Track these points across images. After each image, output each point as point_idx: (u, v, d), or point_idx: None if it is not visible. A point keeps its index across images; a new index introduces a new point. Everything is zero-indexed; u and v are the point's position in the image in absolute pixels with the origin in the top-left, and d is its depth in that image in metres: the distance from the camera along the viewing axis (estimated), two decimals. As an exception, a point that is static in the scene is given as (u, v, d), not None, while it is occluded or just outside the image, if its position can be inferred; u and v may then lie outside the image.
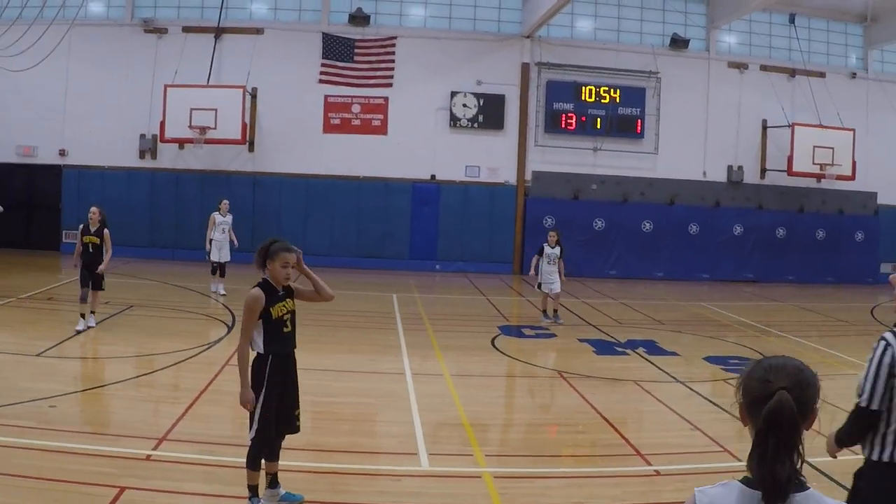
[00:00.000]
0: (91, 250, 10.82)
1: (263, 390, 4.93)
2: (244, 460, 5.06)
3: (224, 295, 14.46)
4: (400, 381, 9.07)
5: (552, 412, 8.59)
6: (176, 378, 8.85)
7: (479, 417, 7.92)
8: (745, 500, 1.94)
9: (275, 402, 4.96)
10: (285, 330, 5.00)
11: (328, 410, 7.72)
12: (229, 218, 14.93)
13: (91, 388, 8.34)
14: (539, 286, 13.77)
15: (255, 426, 4.93)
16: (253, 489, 4.99)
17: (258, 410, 4.93)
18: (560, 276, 13.56)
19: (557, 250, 13.65)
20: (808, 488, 1.94)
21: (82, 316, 10.72)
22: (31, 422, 6.65)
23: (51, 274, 17.28)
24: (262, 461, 5.07)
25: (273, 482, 5.17)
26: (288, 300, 5.05)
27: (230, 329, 11.58)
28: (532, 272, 13.84)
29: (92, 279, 10.76)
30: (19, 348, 9.52)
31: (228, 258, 14.73)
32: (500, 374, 10.32)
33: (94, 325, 10.86)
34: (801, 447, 1.95)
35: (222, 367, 9.04)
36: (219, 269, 14.69)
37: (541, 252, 13.73)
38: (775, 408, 1.93)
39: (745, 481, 1.96)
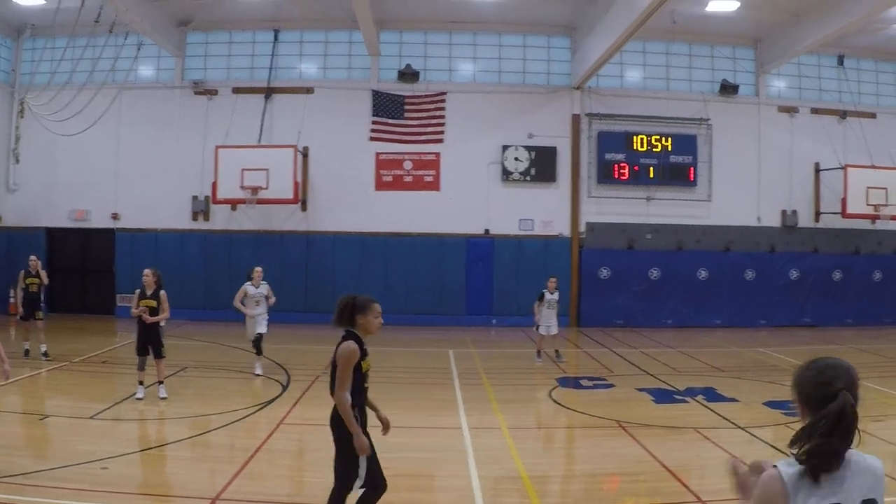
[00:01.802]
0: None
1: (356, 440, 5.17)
2: None
3: (259, 375, 13.07)
4: (457, 436, 9.28)
5: (612, 462, 8.61)
6: (230, 438, 9.04)
7: (538, 470, 8.07)
8: (801, 479, 2.47)
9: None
10: (366, 385, 5.30)
11: (386, 466, 7.66)
12: (264, 288, 13.21)
13: (144, 449, 8.52)
14: (537, 328, 15.11)
15: (340, 478, 5.24)
16: None
17: (346, 463, 5.20)
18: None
19: (556, 295, 15.08)
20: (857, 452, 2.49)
21: (140, 383, 10.80)
22: (83, 483, 6.85)
23: (105, 338, 17.73)
24: None
25: None
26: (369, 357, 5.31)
27: (285, 388, 12.01)
28: (536, 318, 15.10)
29: (153, 347, 10.85)
30: (73, 411, 9.85)
31: (265, 330, 13.15)
32: (559, 426, 10.55)
33: (165, 395, 10.74)
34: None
35: (276, 426, 9.44)
36: (255, 346, 13.13)
37: (541, 298, 14.99)
38: (840, 408, 2.42)
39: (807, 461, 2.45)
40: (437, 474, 7.99)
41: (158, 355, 10.93)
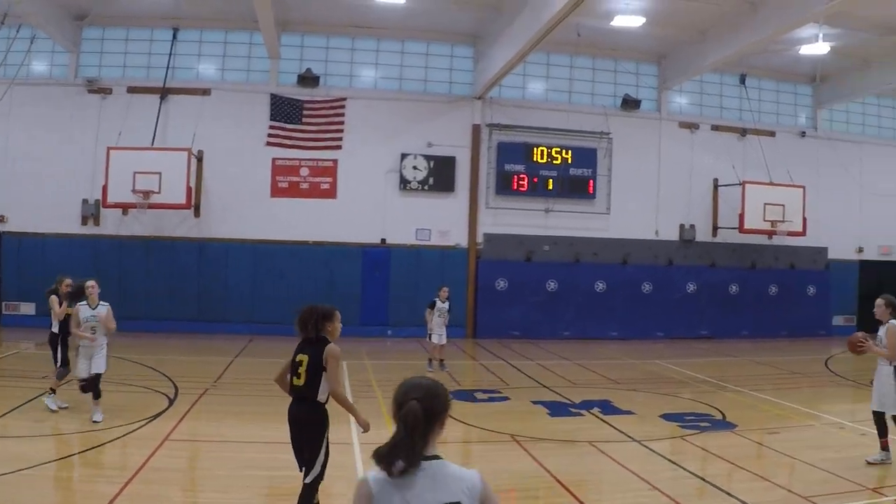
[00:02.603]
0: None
1: (327, 434, 6.13)
2: None
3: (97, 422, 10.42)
4: (347, 452, 9.18)
5: (506, 478, 8.59)
6: (111, 456, 8.81)
7: None
8: (387, 481, 2.88)
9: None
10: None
11: (274, 485, 7.96)
12: (103, 309, 10.52)
13: (20, 469, 7.92)
14: (430, 337, 15.63)
15: (318, 469, 6.08)
16: None
17: (323, 454, 6.06)
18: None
19: (447, 305, 15.61)
20: (439, 458, 2.93)
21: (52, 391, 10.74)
22: None
23: None
24: None
25: None
26: None
27: (171, 402, 11.77)
28: (428, 326, 15.67)
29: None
30: None
31: (104, 368, 10.56)
32: (452, 441, 10.44)
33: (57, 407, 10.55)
34: (429, 437, 2.93)
35: (161, 442, 9.19)
36: (89, 386, 10.37)
37: (432, 306, 15.55)
38: (406, 411, 2.89)
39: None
40: (325, 492, 7.72)
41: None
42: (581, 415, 11.90)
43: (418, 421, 2.86)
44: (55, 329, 11.16)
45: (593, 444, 9.90)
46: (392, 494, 2.84)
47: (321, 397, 6.12)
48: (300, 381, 6.17)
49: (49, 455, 8.80)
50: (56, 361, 11.08)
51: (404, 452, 2.84)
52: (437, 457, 2.89)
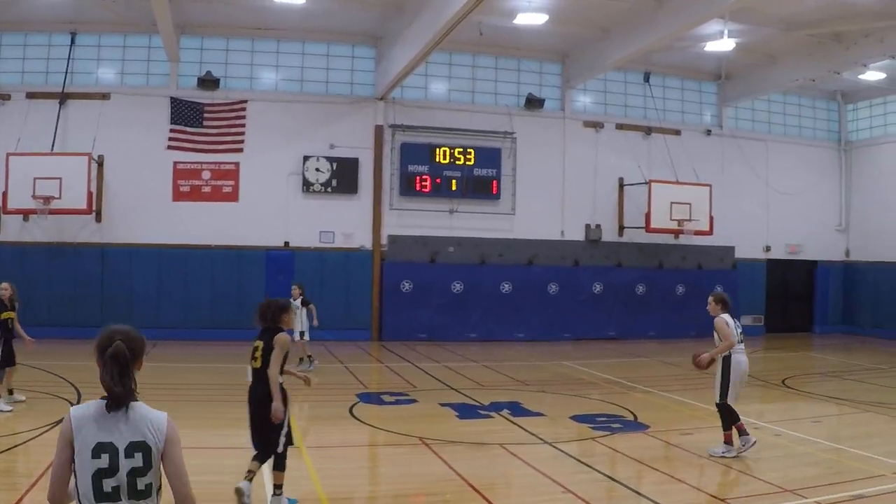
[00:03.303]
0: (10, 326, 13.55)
1: (287, 411, 8.17)
2: None
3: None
4: (249, 457, 9.65)
5: (416, 481, 9.46)
6: (10, 464, 9.43)
7: (339, 492, 8.89)
8: (100, 411, 3.70)
9: None
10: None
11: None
12: None
13: None
14: (301, 335, 18.39)
15: (285, 439, 8.13)
16: (281, 487, 8.14)
17: (286, 426, 8.13)
18: (313, 321, 18.72)
19: (299, 301, 18.39)
20: (138, 402, 3.76)
21: (10, 392, 13.21)
22: None
23: None
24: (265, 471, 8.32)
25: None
26: None
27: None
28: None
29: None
30: None
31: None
32: (360, 444, 11.54)
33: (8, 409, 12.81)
34: (133, 376, 3.79)
35: None
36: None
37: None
38: (114, 350, 3.73)
39: (103, 399, 3.72)
40: (226, 499, 8.17)
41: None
42: (490, 417, 13.25)
43: (126, 358, 3.72)
44: None
45: (504, 446, 10.92)
46: (91, 429, 3.61)
47: (270, 378, 8.07)
48: (257, 364, 8.22)
49: None
50: None
51: (116, 389, 3.69)
52: (135, 399, 3.78)
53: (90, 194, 23.29)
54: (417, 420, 13.08)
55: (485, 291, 26.41)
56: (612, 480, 9.44)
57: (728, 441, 10.62)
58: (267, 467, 8.53)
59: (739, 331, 10.95)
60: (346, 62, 26.40)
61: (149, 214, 24.88)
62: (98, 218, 24.60)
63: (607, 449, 11.07)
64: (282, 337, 8.19)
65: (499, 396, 15.12)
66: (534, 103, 26.67)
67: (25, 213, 23.64)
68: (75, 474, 3.64)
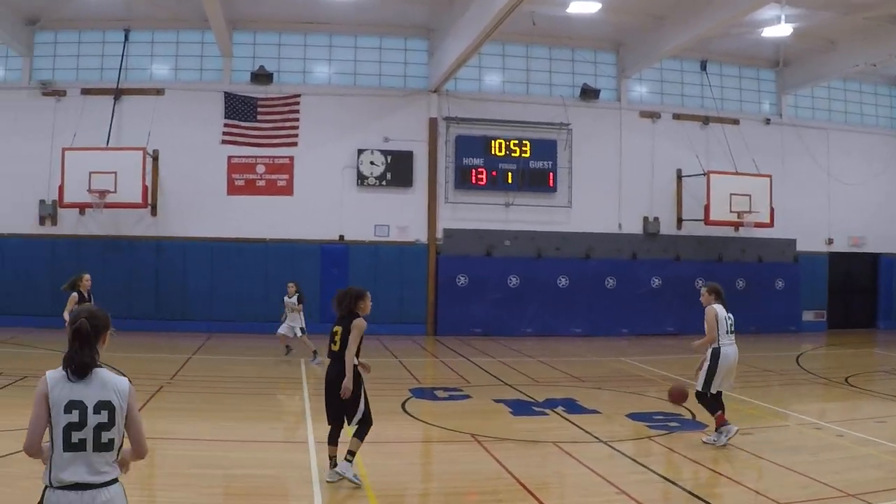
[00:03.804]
0: None
1: (362, 388, 8.74)
2: None
3: None
4: (302, 451, 10.02)
5: (466, 479, 9.27)
6: None
7: (388, 489, 8.80)
8: (63, 379, 4.22)
9: None
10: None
11: (221, 485, 8.77)
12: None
13: None
14: (302, 331, 18.72)
15: (363, 413, 8.69)
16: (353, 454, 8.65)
17: (363, 402, 8.70)
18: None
19: (295, 299, 18.68)
20: (102, 367, 4.32)
21: None
22: None
23: None
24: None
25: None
26: None
27: None
28: (283, 316, 18.91)
29: None
30: None
31: None
32: (410, 440, 11.31)
33: None
34: (96, 348, 4.34)
35: None
36: None
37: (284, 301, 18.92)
38: (77, 326, 4.27)
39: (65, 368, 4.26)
40: (276, 493, 8.58)
41: None
42: (545, 414, 12.90)
43: (88, 333, 4.32)
44: None
45: (557, 444, 10.62)
46: (63, 390, 4.20)
47: (347, 360, 8.63)
48: (336, 347, 8.78)
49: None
50: None
51: (80, 359, 4.27)
52: (99, 366, 4.35)
53: (145, 188, 23.46)
54: (470, 416, 12.87)
55: (541, 285, 26.06)
56: (668, 481, 9.12)
57: (721, 423, 10.68)
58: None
59: (730, 323, 11.04)
60: (398, 55, 26.28)
61: (203, 208, 25.00)
62: (153, 212, 24.78)
63: (664, 448, 10.71)
64: (359, 322, 8.67)
65: (554, 393, 14.85)
66: (589, 94, 26.33)
67: (81, 207, 24.02)
68: (51, 428, 4.19)
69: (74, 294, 14.48)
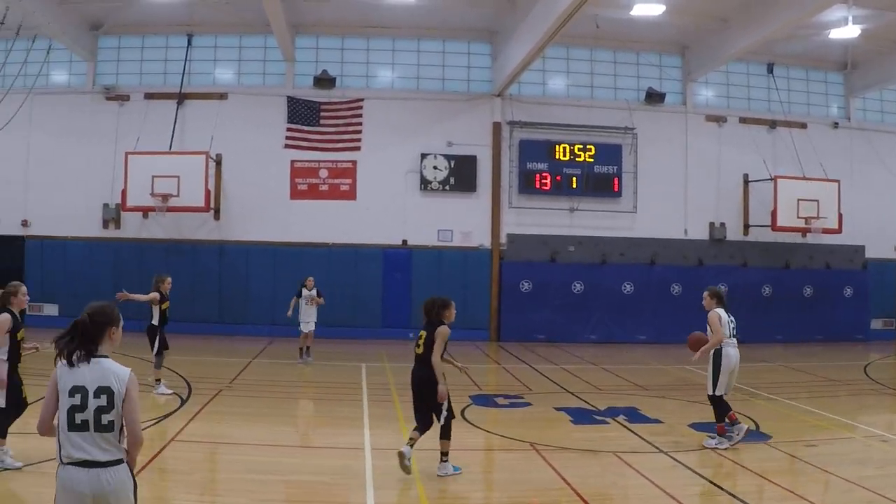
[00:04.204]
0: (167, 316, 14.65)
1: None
2: None
3: None
4: (358, 457, 9.95)
5: (522, 489, 9.09)
6: None
7: (442, 497, 8.61)
8: (67, 366, 4.66)
9: None
10: None
11: (277, 490, 8.80)
12: None
13: (24, 465, 8.87)
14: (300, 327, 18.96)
15: (446, 413, 9.11)
16: (447, 454, 9.22)
17: (448, 403, 9.13)
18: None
19: (314, 292, 19.04)
20: (106, 357, 4.71)
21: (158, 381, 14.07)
22: None
23: None
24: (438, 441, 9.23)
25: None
26: None
27: (183, 402, 13.36)
28: (289, 313, 19.11)
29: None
30: None
31: None
32: (468, 448, 10.81)
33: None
34: (100, 341, 4.69)
35: (168, 442, 10.18)
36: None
37: (299, 294, 19.11)
38: (79, 320, 4.67)
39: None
40: (330, 500, 8.57)
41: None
42: (606, 423, 12.64)
43: (87, 327, 4.72)
44: (154, 321, 14.54)
45: (618, 454, 10.39)
46: (68, 377, 4.67)
47: (433, 364, 9.13)
48: (420, 351, 9.26)
49: (46, 454, 9.03)
50: (154, 351, 14.32)
51: (77, 349, 4.69)
52: (104, 356, 4.74)
53: (207, 192, 23.40)
54: (530, 424, 12.69)
55: (605, 292, 25.64)
56: (730, 495, 8.76)
57: (722, 433, 10.89)
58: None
59: (733, 326, 11.34)
60: (462, 59, 26.06)
61: (266, 212, 24.92)
62: (216, 216, 24.72)
63: (726, 460, 10.37)
64: (443, 329, 9.18)
65: (616, 401, 14.56)
66: (654, 97, 25.93)
67: (144, 211, 24.01)
68: (59, 410, 4.69)
69: (156, 294, 14.62)
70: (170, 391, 13.99)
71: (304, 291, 19.06)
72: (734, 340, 11.27)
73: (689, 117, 26.35)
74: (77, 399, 4.63)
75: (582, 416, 13.11)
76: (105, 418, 4.65)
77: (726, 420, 10.88)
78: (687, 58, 26.34)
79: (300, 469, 9.53)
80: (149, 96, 25.06)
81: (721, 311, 11.36)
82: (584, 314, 25.58)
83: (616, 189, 25.73)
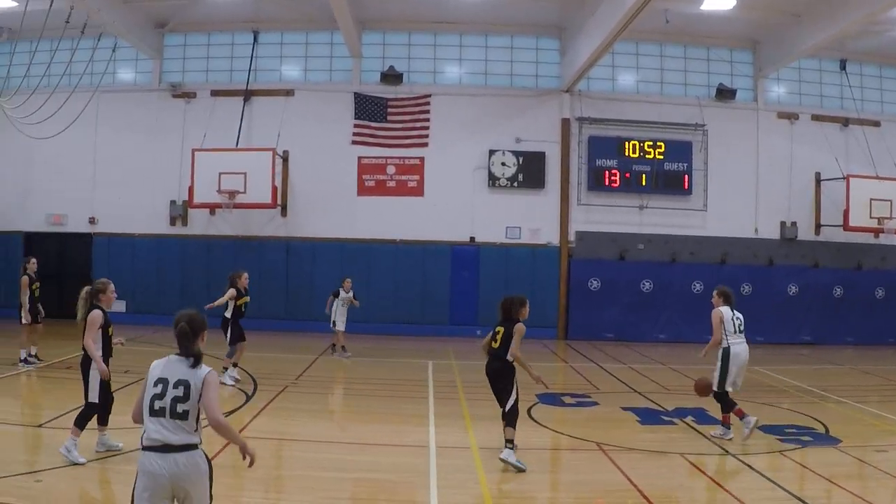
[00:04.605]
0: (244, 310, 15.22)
1: (516, 379, 9.78)
2: None
3: None
4: (423, 455, 9.95)
5: (588, 490, 8.99)
6: None
7: (507, 497, 8.68)
8: (169, 360, 5.42)
9: None
10: None
11: (341, 487, 8.77)
12: None
13: (88, 461, 9.00)
14: (334, 324, 19.12)
15: (513, 401, 9.67)
16: (512, 441, 9.59)
17: (514, 392, 9.72)
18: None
19: (351, 294, 19.20)
20: (195, 356, 5.41)
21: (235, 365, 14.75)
22: (11, 497, 7.45)
23: (75, 343, 19.70)
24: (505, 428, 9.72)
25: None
26: None
27: (249, 398, 13.49)
28: (327, 310, 19.28)
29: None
30: (22, 418, 10.96)
31: None
32: (534, 447, 10.69)
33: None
34: (196, 344, 5.43)
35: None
36: None
37: (336, 294, 19.18)
38: (179, 329, 5.40)
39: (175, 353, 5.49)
40: (393, 499, 8.60)
41: None
42: (673, 423, 12.52)
43: (187, 334, 5.45)
44: (227, 314, 15.05)
45: (684, 456, 10.26)
46: (156, 370, 5.42)
47: (510, 357, 9.69)
48: (496, 345, 9.86)
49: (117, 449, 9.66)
50: (228, 340, 14.95)
51: (184, 350, 5.43)
52: (195, 355, 5.47)
53: (274, 189, 23.20)
54: (597, 424, 12.56)
55: (675, 291, 25.07)
56: (798, 499, 8.54)
57: (726, 423, 11.42)
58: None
59: (738, 323, 11.76)
60: (530, 54, 25.68)
61: (332, 209, 24.70)
62: (283, 212, 24.53)
63: (795, 464, 10.16)
64: (520, 326, 9.81)
65: (684, 402, 14.23)
66: (725, 94, 25.41)
67: (211, 208, 23.93)
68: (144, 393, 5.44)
69: (232, 290, 15.05)
70: (233, 381, 14.42)
71: (342, 293, 19.09)
72: (741, 337, 11.71)
73: (760, 114, 25.74)
74: (159, 389, 5.31)
75: (650, 417, 12.97)
76: (180, 407, 5.26)
77: (735, 415, 11.31)
78: (758, 53, 25.79)
79: (364, 466, 9.52)
80: (215, 93, 24.95)
81: (725, 310, 11.84)
82: (653, 313, 25.10)
83: (686, 187, 25.20)
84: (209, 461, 5.35)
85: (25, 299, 16.17)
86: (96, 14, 21.13)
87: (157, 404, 5.27)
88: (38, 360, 16.44)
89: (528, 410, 12.78)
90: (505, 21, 25.02)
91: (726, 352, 11.53)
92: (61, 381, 14.74)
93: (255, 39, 25.19)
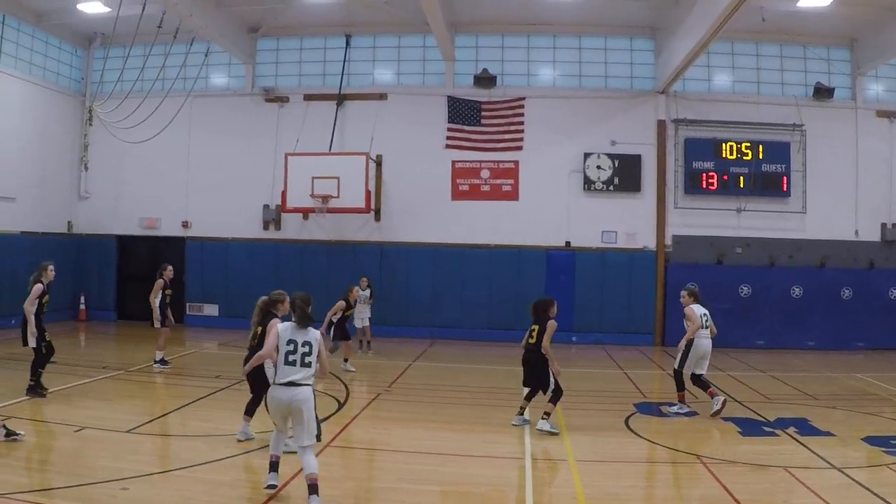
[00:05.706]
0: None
1: (552, 369, 11.59)
2: None
3: None
4: (516, 468, 9.67)
5: None
6: (265, 460, 8.66)
7: None
8: (293, 326, 8.03)
9: None
10: None
11: (431, 500, 8.58)
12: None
13: (174, 469, 8.95)
14: (352, 321, 19.18)
15: (552, 388, 11.59)
16: (549, 414, 11.50)
17: (553, 381, 11.59)
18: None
19: (368, 292, 20.01)
20: (311, 326, 8.09)
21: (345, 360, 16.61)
22: None
23: (171, 346, 18.95)
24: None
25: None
26: None
27: (341, 406, 13.28)
28: (324, 329, 19.28)
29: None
30: (111, 423, 10.86)
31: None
32: (632, 460, 10.49)
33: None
34: (309, 315, 8.05)
35: (321, 449, 9.63)
36: None
37: (346, 299, 18.43)
38: (296, 305, 8.15)
39: (289, 319, 8.30)
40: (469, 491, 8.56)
41: None
42: (775, 434, 11.94)
43: (304, 309, 8.02)
44: (334, 319, 17.03)
45: (788, 469, 9.73)
46: (286, 332, 7.94)
47: (543, 350, 11.56)
48: (532, 340, 11.83)
49: (201, 456, 9.56)
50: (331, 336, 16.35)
51: (300, 320, 7.99)
52: (310, 325, 8.01)
53: (368, 193, 22.78)
54: (696, 435, 12.09)
55: (774, 295, 24.29)
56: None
57: (682, 400, 13.51)
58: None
59: (706, 320, 13.62)
60: (624, 55, 25.09)
61: (426, 213, 24.34)
62: (377, 217, 24.20)
63: None
64: (552, 323, 11.75)
65: (785, 412, 13.70)
66: (823, 93, 24.65)
67: (304, 212, 23.64)
68: (278, 351, 7.92)
69: (342, 303, 17.21)
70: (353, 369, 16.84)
71: (359, 291, 19.23)
72: (707, 332, 13.55)
73: (858, 113, 24.85)
74: (291, 347, 7.85)
75: (750, 427, 12.41)
76: (307, 359, 7.86)
77: (708, 395, 13.22)
78: (856, 51, 24.96)
79: (456, 478, 9.27)
80: (308, 97, 24.73)
81: (696, 307, 13.74)
82: (752, 318, 24.25)
83: (784, 189, 24.42)
84: (315, 394, 7.97)
85: (156, 303, 16.03)
86: (188, 19, 21.02)
87: (290, 357, 7.82)
88: (165, 363, 16.32)
89: (626, 420, 12.72)
90: (598, 22, 24.44)
91: (690, 343, 13.37)
92: (153, 385, 15.03)
93: (348, 43, 24.96)
